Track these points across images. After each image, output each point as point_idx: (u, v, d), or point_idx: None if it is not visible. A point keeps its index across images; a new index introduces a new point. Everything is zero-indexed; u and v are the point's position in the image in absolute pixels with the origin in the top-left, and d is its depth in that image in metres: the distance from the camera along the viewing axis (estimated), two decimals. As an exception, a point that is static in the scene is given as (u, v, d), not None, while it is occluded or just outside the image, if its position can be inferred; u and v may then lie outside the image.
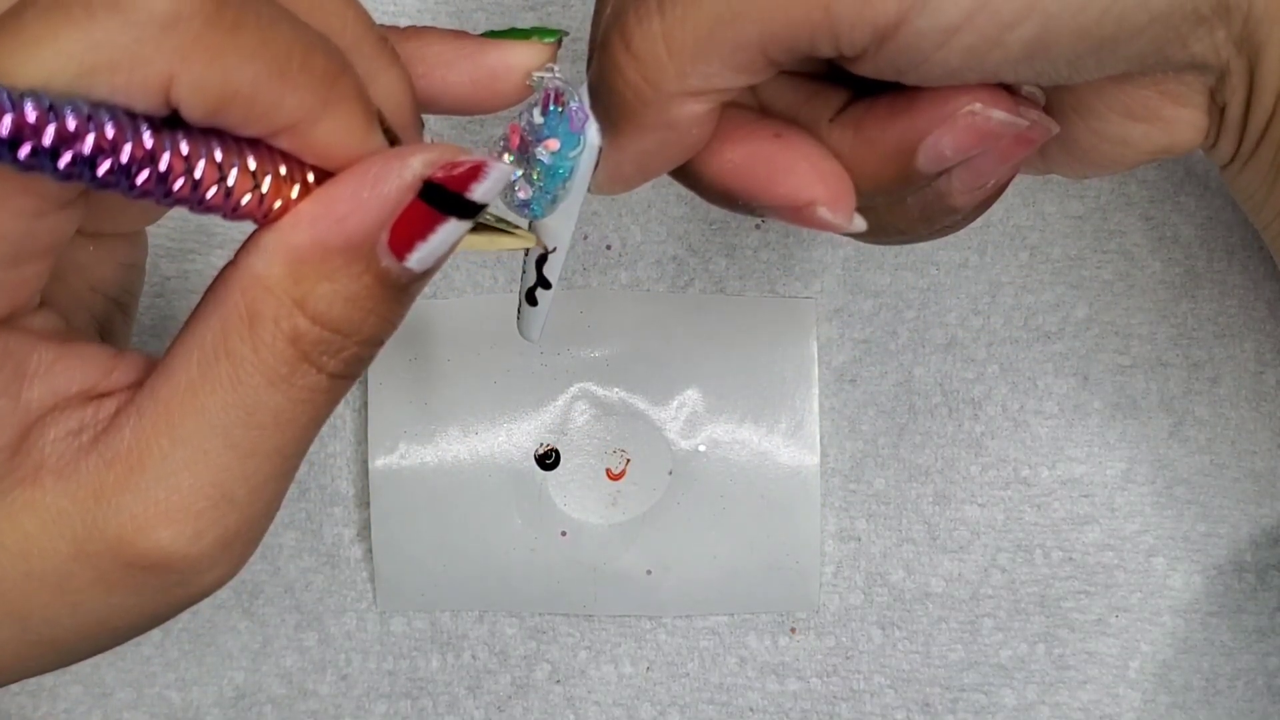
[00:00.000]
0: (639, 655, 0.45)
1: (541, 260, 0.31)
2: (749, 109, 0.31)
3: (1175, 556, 0.44)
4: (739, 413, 0.44)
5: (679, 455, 0.44)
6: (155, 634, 0.44)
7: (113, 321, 0.31)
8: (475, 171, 0.26)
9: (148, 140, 0.24)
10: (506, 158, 0.30)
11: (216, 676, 0.44)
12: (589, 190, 0.30)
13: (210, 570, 0.27)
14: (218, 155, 0.25)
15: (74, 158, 0.23)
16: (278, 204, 0.26)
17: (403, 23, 0.44)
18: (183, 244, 0.44)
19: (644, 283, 0.45)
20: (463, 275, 0.44)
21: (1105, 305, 0.44)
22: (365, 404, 0.44)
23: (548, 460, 0.44)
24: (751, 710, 0.45)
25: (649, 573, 0.44)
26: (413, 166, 0.26)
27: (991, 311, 0.45)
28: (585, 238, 0.44)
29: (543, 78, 0.29)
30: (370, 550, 0.44)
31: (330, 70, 0.25)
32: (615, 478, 0.44)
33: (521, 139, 0.29)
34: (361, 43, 0.28)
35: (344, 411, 0.44)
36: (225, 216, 0.26)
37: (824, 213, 0.29)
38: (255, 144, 0.26)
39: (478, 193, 0.26)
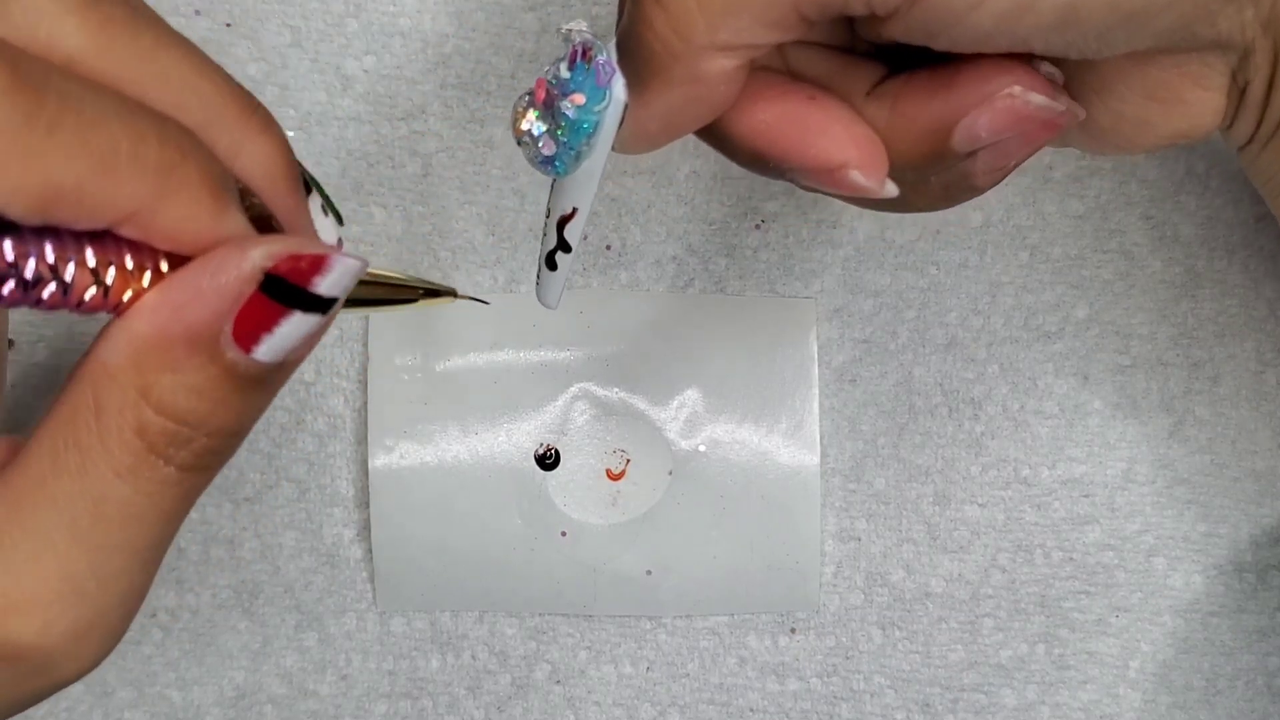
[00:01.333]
0: (639, 655, 0.45)
1: (563, 223, 0.31)
2: (781, 73, 0.31)
3: (1175, 556, 0.44)
4: (739, 413, 0.44)
5: (679, 455, 0.44)
6: (156, 633, 0.44)
7: None
8: (317, 264, 0.26)
9: None
10: (531, 113, 0.29)
11: (217, 676, 0.44)
12: (614, 149, 0.30)
13: (66, 661, 0.26)
14: (49, 254, 0.24)
15: None
16: (127, 295, 0.26)
17: (403, 22, 0.44)
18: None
19: (644, 283, 0.45)
20: (462, 275, 0.44)
21: (1105, 305, 0.44)
22: (365, 404, 0.44)
23: (548, 460, 0.44)
24: (751, 710, 0.45)
25: (649, 573, 0.44)
26: (252, 258, 0.25)
27: (991, 311, 0.45)
28: (585, 238, 0.44)
29: (571, 31, 0.29)
30: (370, 550, 0.44)
31: (165, 158, 0.25)
32: (615, 478, 0.44)
33: (547, 93, 0.29)
34: (223, 114, 0.27)
35: (344, 411, 0.44)
36: (72, 312, 0.25)
37: (857, 176, 0.29)
38: (99, 235, 0.25)
39: (322, 286, 0.26)
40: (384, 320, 0.44)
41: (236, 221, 0.26)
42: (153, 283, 0.26)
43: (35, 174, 0.23)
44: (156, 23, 0.26)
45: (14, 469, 0.26)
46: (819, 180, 0.29)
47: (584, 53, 0.28)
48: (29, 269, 0.24)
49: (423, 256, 0.44)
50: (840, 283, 0.45)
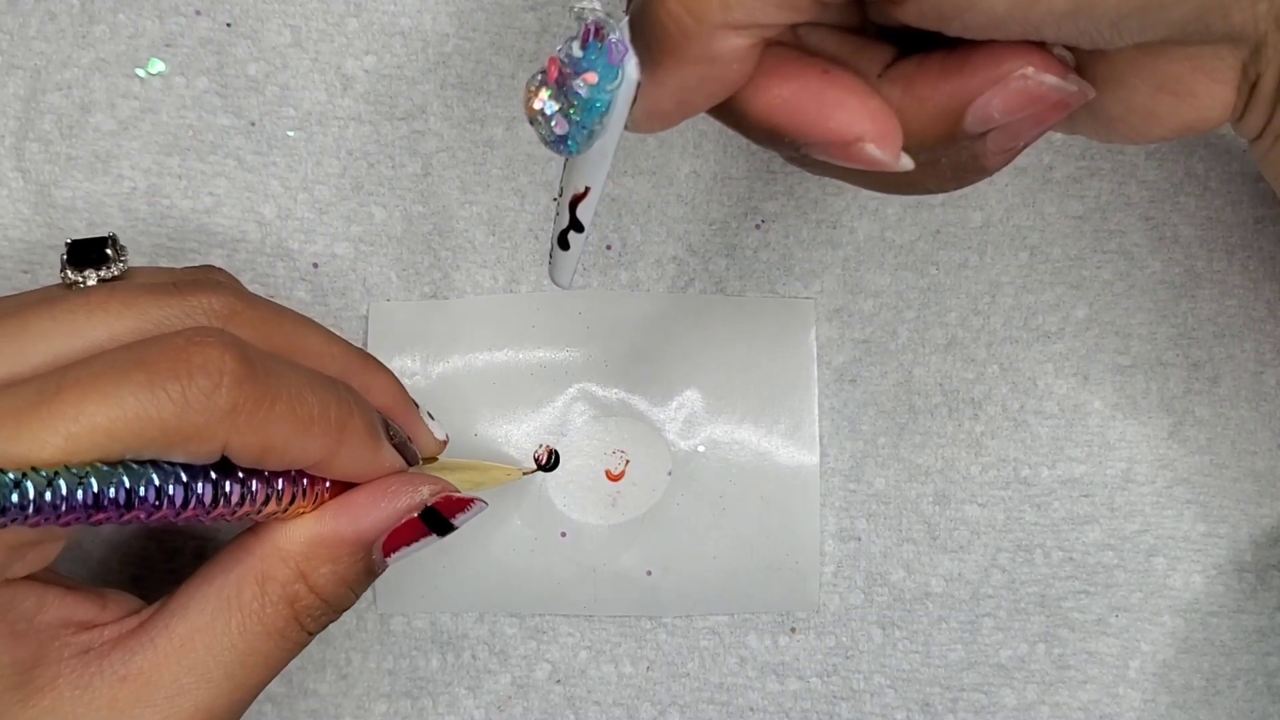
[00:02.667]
0: (639, 655, 0.45)
1: (575, 202, 0.31)
2: (795, 48, 0.31)
3: (1175, 556, 0.44)
4: (738, 413, 0.44)
5: (678, 456, 0.44)
6: (156, 634, 0.44)
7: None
8: (464, 504, 0.36)
9: (206, 495, 0.31)
10: (544, 92, 0.29)
11: (217, 676, 0.44)
12: (626, 128, 0.29)
13: None
14: (254, 487, 0.33)
15: (130, 516, 0.30)
16: (300, 510, 0.34)
17: (403, 22, 0.44)
18: (183, 244, 0.44)
19: (644, 283, 0.45)
20: (462, 275, 0.44)
21: (1105, 305, 0.44)
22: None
23: (547, 462, 0.44)
24: (751, 710, 0.45)
25: (649, 573, 0.44)
26: (422, 494, 0.35)
27: (991, 311, 0.45)
28: (586, 238, 0.44)
29: (583, 9, 0.29)
30: (370, 550, 0.44)
31: (341, 416, 0.33)
32: (615, 478, 0.44)
33: (560, 71, 0.29)
34: (351, 365, 0.36)
35: (344, 411, 0.44)
36: (255, 520, 0.34)
37: (872, 149, 0.29)
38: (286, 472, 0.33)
39: (460, 520, 0.36)
40: (383, 322, 0.44)
41: (389, 454, 0.35)
42: (319, 503, 0.34)
43: (260, 437, 0.31)
44: (283, 317, 0.36)
45: (174, 618, 0.33)
46: (834, 154, 0.29)
47: (596, 31, 0.28)
48: (235, 498, 0.32)
49: (423, 256, 0.44)
50: (840, 283, 0.45)
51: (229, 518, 0.33)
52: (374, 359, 0.38)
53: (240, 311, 0.34)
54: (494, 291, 0.44)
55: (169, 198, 0.44)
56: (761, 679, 0.44)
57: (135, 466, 0.30)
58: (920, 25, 0.29)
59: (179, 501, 0.31)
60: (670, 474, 0.44)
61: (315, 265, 0.44)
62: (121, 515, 0.30)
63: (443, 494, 0.35)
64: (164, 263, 0.44)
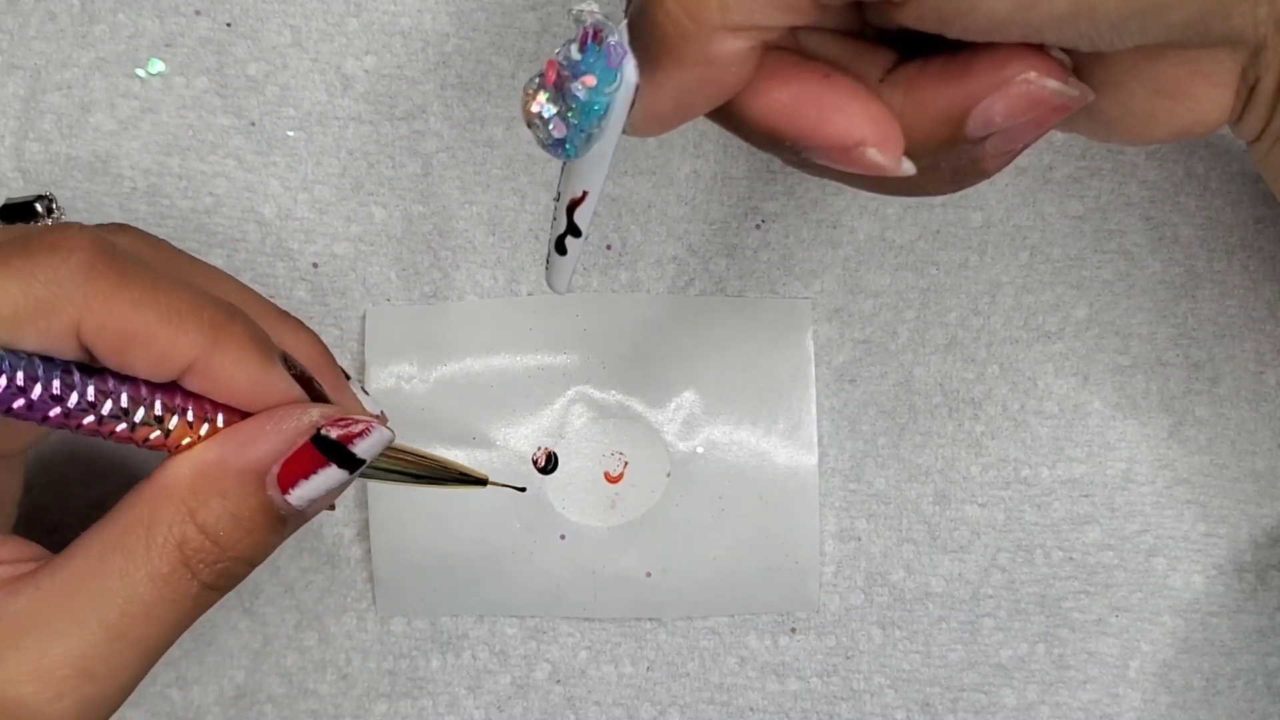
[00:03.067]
0: (639, 655, 0.45)
1: (573, 206, 0.31)
2: (795, 52, 0.31)
3: (1175, 556, 0.44)
4: (736, 414, 0.44)
5: (677, 457, 0.44)
6: (156, 633, 0.44)
7: None
8: (362, 431, 0.32)
9: (55, 386, 0.30)
10: (542, 95, 0.29)
11: (217, 675, 0.44)
12: (625, 131, 0.29)
13: None
14: (123, 399, 0.30)
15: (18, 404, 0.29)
16: (185, 440, 0.32)
17: (403, 22, 0.44)
18: (183, 244, 0.44)
19: (644, 283, 0.45)
20: (463, 275, 0.44)
21: (1105, 305, 0.44)
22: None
23: (546, 465, 0.44)
24: (751, 710, 0.45)
25: (648, 575, 0.44)
26: (311, 415, 0.32)
27: (991, 311, 0.44)
28: (586, 238, 0.44)
29: (582, 12, 0.29)
30: (370, 551, 0.44)
31: (217, 318, 0.31)
32: (613, 480, 0.44)
33: (558, 74, 0.29)
34: (265, 316, 0.34)
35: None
36: (138, 446, 0.31)
37: (874, 154, 0.29)
38: (170, 389, 0.31)
39: (359, 448, 0.32)
40: (379, 326, 0.44)
41: (282, 376, 0.32)
42: (209, 434, 0.32)
43: (117, 320, 0.29)
44: (191, 265, 0.35)
45: (62, 563, 0.31)
46: (835, 159, 0.29)
47: (595, 34, 0.28)
48: (105, 407, 0.30)
49: (423, 256, 0.44)
50: (840, 283, 0.44)
51: (106, 433, 0.31)
52: (294, 318, 0.36)
53: (103, 263, 0.31)
54: (494, 292, 0.44)
55: (169, 198, 0.44)
56: (761, 679, 0.45)
57: None
58: (920, 28, 0.29)
59: (33, 394, 0.29)
60: (669, 475, 0.44)
61: (315, 265, 0.44)
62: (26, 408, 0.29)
63: (336, 418, 0.32)
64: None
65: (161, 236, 0.44)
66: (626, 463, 0.44)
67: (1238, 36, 0.29)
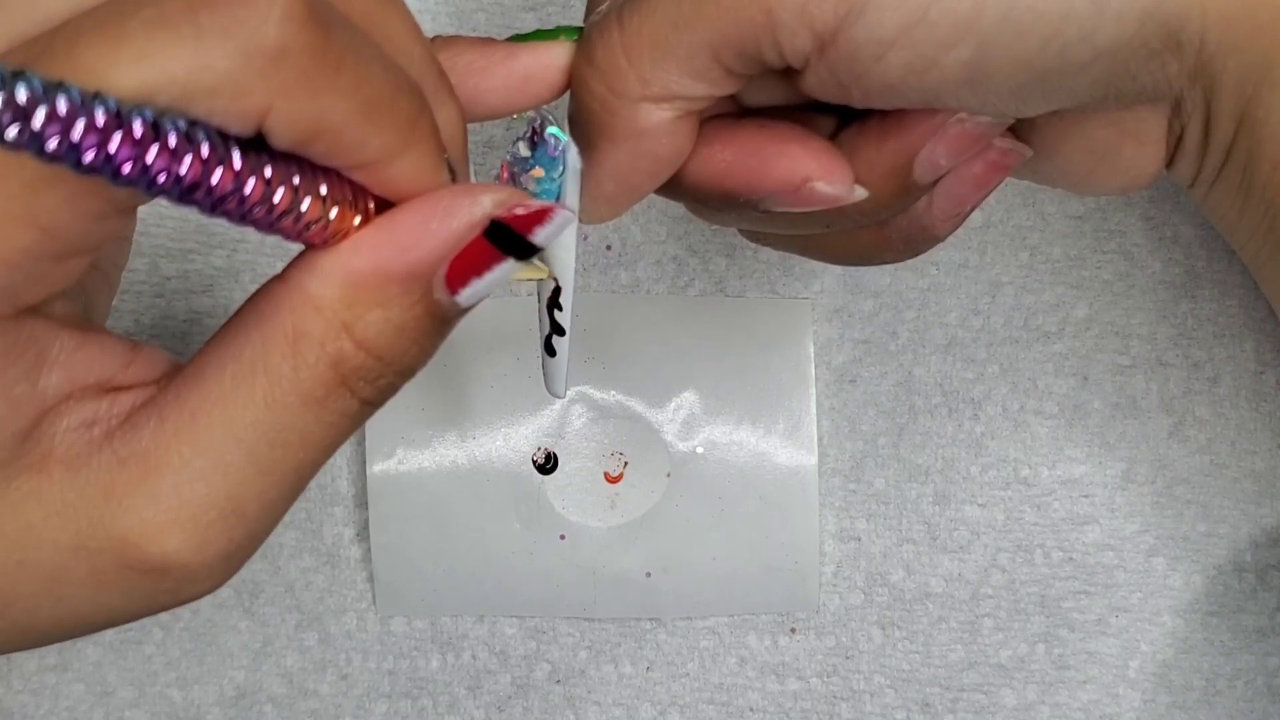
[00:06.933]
0: (639, 655, 0.45)
1: (552, 303, 0.32)
2: (733, 117, 0.31)
3: (1175, 556, 0.44)
4: (736, 414, 0.44)
5: (677, 457, 0.44)
6: (157, 633, 0.44)
7: (99, 294, 0.30)
8: (542, 215, 0.27)
9: (237, 165, 0.24)
10: None
11: (217, 675, 0.44)
12: (580, 219, 0.30)
13: (205, 580, 0.26)
14: (295, 182, 0.25)
15: (170, 177, 0.22)
16: (339, 231, 0.26)
17: (402, 23, 0.44)
18: (183, 244, 0.44)
19: (644, 283, 0.45)
20: (462, 276, 0.44)
21: (1105, 305, 0.44)
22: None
23: (546, 465, 0.44)
24: (751, 710, 0.45)
25: (648, 575, 0.44)
26: (483, 204, 0.26)
27: (991, 311, 0.44)
28: (585, 238, 0.44)
29: (525, 115, 0.30)
30: (370, 550, 0.44)
31: (412, 113, 0.26)
32: (613, 480, 0.44)
33: (510, 173, 0.30)
34: (425, 77, 0.27)
35: (344, 412, 0.44)
36: (288, 238, 0.26)
37: (823, 187, 0.29)
38: (328, 171, 0.26)
39: (539, 236, 0.27)
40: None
41: (448, 178, 0.27)
42: (363, 224, 0.26)
43: (313, 108, 0.24)
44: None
45: (186, 386, 0.26)
46: (788, 201, 0.30)
47: (539, 129, 0.30)
48: (277, 195, 0.25)
49: (423, 257, 0.44)
50: (840, 283, 0.45)
51: (263, 218, 0.25)
52: (449, 83, 0.29)
53: None
54: (491, 295, 0.44)
55: (169, 198, 0.44)
56: (761, 679, 0.45)
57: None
58: (825, 98, 0.29)
59: (210, 162, 0.23)
60: (669, 475, 0.44)
61: (315, 266, 0.44)
62: (136, 162, 0.22)
63: (513, 203, 0.26)
64: (164, 264, 0.44)
65: (161, 236, 0.44)
66: (626, 463, 0.44)
67: (1152, 94, 0.29)
